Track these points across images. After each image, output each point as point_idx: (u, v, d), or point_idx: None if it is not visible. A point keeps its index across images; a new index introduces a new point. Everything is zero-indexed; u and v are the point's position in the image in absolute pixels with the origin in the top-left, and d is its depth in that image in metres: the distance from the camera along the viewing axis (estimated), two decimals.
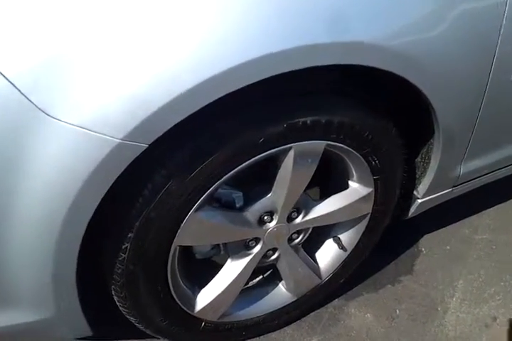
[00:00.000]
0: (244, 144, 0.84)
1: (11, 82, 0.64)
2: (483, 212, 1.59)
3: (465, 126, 1.06)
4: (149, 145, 0.72)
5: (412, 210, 1.24)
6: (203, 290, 1.04)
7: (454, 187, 1.24)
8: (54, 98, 0.65)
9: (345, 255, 1.18)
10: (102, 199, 0.74)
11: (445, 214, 1.50)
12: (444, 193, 1.24)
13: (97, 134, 0.68)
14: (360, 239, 1.17)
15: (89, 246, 0.81)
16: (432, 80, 0.91)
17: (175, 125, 0.72)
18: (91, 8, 0.66)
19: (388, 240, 1.37)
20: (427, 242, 1.48)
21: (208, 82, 0.69)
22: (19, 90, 0.64)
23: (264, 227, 1.00)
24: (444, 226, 1.53)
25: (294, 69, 0.75)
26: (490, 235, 1.51)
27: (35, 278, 0.81)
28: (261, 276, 1.16)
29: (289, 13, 0.74)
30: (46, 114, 0.65)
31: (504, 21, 0.93)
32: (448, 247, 1.47)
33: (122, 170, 0.73)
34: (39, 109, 0.65)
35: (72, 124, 0.66)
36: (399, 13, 0.82)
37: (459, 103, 0.99)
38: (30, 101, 0.65)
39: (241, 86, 0.73)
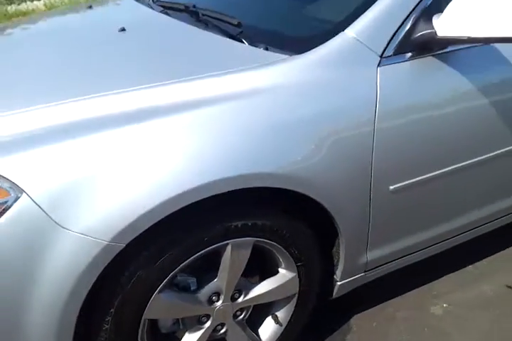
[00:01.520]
0: (194, 242, 1.20)
1: (36, 204, 1.01)
2: (406, 294, 1.91)
3: (360, 226, 1.43)
4: (126, 245, 1.07)
5: (335, 291, 1.57)
6: None
7: (365, 272, 1.58)
8: (68, 214, 1.02)
9: (281, 330, 1.48)
10: (92, 286, 1.08)
11: (372, 292, 1.82)
12: (358, 277, 1.58)
13: (92, 238, 1.03)
14: (292, 315, 1.48)
15: (83, 320, 1.12)
16: (326, 193, 1.30)
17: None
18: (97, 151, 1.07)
19: (321, 317, 1.68)
20: (356, 320, 1.77)
21: (170, 200, 1.07)
22: (43, 209, 1.01)
23: (212, 306, 1.32)
24: (372, 305, 1.83)
25: (231, 189, 1.15)
26: (409, 313, 1.82)
27: None
28: None
29: (227, 157, 1.15)
30: (61, 226, 1.01)
31: (374, 144, 1.34)
32: (374, 324, 1.76)
33: (106, 264, 1.07)
34: (56, 223, 1.01)
35: (77, 232, 1.02)
36: (290, 149, 1.23)
37: (351, 209, 1.37)
38: (50, 217, 1.01)
39: (192, 201, 1.11)
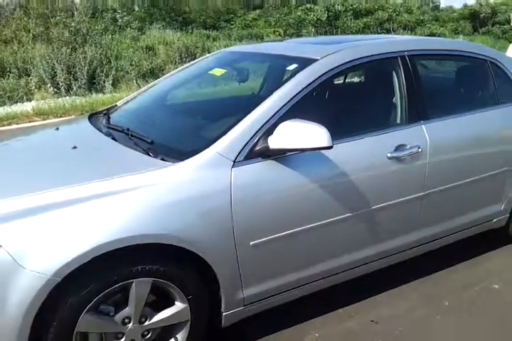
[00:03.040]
0: (108, 279, 1.87)
1: (11, 256, 1.70)
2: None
3: (232, 272, 2.09)
4: (61, 279, 1.75)
5: (223, 321, 2.19)
6: None
7: (245, 306, 2.22)
8: (26, 259, 1.71)
9: None
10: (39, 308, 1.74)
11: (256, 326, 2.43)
12: (240, 310, 2.21)
13: (38, 274, 1.71)
14: (188, 337, 2.09)
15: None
16: (202, 248, 1.98)
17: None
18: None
19: None
20: None
21: (92, 249, 1.77)
22: (15, 260, 1.71)
23: (125, 326, 1.95)
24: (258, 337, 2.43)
25: (132, 244, 1.84)
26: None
27: None
28: None
29: (130, 223, 1.86)
30: (23, 267, 1.70)
31: (233, 215, 2.04)
32: None
33: (48, 293, 1.74)
34: (20, 265, 1.70)
35: (32, 270, 1.71)
36: (175, 218, 1.94)
37: (222, 260, 2.04)
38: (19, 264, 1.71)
39: (106, 251, 1.79)
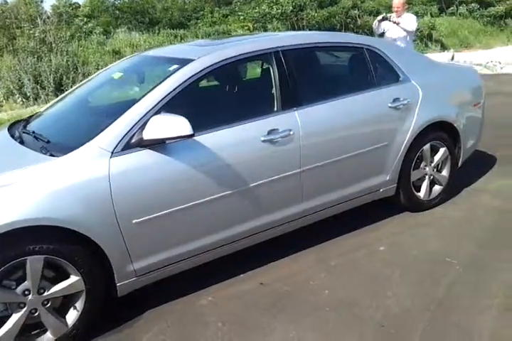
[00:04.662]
0: (5, 256, 2.21)
1: None
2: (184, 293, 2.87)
3: (119, 247, 2.44)
4: None
5: (118, 291, 2.54)
6: None
7: (137, 276, 2.57)
8: None
9: (78, 314, 2.44)
10: None
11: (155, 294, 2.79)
12: (133, 280, 2.56)
13: None
14: (85, 305, 2.44)
15: None
16: (88, 228, 2.33)
17: None
18: None
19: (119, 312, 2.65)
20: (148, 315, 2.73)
21: None
22: None
23: (26, 297, 2.31)
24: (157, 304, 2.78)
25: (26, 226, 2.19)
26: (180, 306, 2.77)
27: None
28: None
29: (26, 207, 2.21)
30: None
31: (113, 196, 2.38)
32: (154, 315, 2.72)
33: None
34: None
35: None
36: (65, 203, 2.29)
37: (107, 237, 2.39)
38: None
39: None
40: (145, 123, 2.50)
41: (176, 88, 2.66)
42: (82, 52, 13.12)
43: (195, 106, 2.52)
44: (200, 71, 2.76)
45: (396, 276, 2.93)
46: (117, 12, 18.30)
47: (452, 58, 11.97)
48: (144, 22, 18.50)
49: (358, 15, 18.57)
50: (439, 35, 16.35)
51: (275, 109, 2.95)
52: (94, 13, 19.99)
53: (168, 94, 2.63)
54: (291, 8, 17.64)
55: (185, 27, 18.44)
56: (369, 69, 3.37)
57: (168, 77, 2.71)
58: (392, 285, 2.84)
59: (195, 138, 2.59)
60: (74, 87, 3.67)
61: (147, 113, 2.56)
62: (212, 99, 3.08)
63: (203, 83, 2.93)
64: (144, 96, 2.64)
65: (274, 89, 2.96)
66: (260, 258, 3.14)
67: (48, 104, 3.57)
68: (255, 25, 18.15)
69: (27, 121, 3.28)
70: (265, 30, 16.99)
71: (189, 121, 2.45)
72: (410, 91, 3.47)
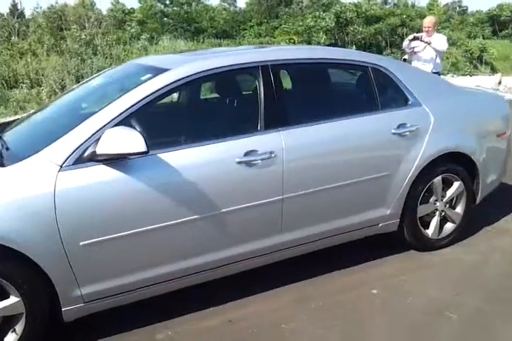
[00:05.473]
0: None
1: None
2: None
3: (64, 271, 2.24)
4: None
5: (64, 316, 2.33)
6: None
7: (85, 303, 2.36)
8: None
9: (17, 338, 2.24)
10: None
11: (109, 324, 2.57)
12: (81, 306, 2.35)
13: None
14: (25, 328, 2.24)
15: None
16: (30, 249, 2.14)
17: None
18: None
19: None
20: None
21: None
22: None
23: None
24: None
25: None
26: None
27: None
28: None
29: None
30: None
31: (57, 216, 2.18)
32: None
33: None
34: None
35: None
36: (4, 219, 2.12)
37: (51, 259, 2.19)
38: None
39: None
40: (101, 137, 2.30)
41: (141, 100, 2.43)
42: (125, 56, 13.30)
43: (163, 121, 2.30)
44: (173, 82, 2.52)
45: (383, 328, 2.58)
46: (165, 19, 18.53)
47: (500, 82, 11.35)
48: (190, 30, 18.67)
49: (405, 34, 18.12)
50: (490, 58, 15.66)
51: (258, 128, 2.69)
52: (146, 20, 20.39)
53: (132, 105, 2.41)
54: (333, 23, 17.44)
55: (230, 37, 18.48)
56: (372, 91, 3.07)
57: (136, 87, 2.50)
58: (375, 338, 2.51)
59: (159, 155, 2.37)
60: (62, 93, 3.52)
61: (105, 125, 2.34)
62: (184, 114, 2.85)
63: (177, 95, 2.70)
64: (104, 107, 2.44)
65: (258, 106, 2.70)
66: (234, 291, 2.86)
67: (32, 110, 3.45)
68: (299, 39, 18.03)
69: (9, 125, 3.16)
70: (309, 43, 16.81)
71: (153, 136, 2.25)
72: (419, 117, 3.13)
